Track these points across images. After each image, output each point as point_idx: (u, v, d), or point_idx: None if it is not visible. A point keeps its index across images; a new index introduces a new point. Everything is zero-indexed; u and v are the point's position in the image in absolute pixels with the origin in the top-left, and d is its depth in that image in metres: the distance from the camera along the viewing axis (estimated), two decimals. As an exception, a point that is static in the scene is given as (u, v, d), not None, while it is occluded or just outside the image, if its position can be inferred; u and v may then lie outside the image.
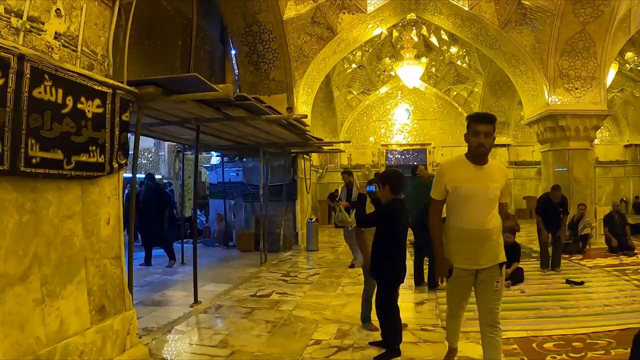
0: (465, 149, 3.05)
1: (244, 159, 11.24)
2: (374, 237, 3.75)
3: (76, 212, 3.34)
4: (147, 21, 7.39)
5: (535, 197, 17.11)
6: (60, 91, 3.13)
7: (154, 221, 8.52)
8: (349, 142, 14.84)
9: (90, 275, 3.45)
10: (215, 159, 12.21)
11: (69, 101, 3.20)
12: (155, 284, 6.85)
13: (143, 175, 16.73)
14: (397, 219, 3.58)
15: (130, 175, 4.93)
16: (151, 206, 8.55)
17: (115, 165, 3.64)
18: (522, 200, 17.16)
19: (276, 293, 6.25)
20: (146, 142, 18.14)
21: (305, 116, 5.53)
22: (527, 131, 17.45)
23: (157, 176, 16.80)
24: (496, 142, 14.35)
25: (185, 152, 10.67)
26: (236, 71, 10.73)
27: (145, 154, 18.53)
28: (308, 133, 7.80)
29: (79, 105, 3.28)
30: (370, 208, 3.96)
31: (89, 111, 3.37)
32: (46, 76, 3.02)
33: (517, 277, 6.61)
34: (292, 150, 10.50)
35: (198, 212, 13.26)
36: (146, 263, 8.50)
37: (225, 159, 11.49)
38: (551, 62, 10.67)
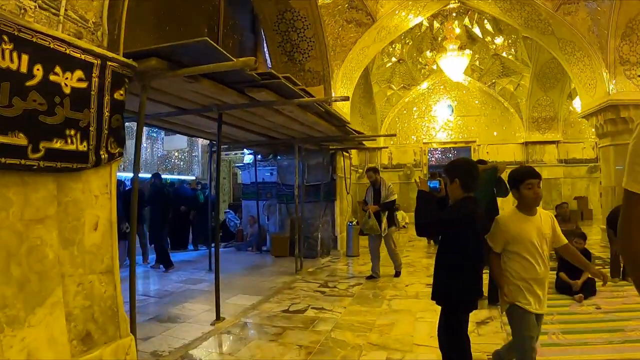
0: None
1: (279, 157, 10.48)
2: (439, 249, 2.84)
3: (49, 214, 2.59)
4: (167, 6, 6.72)
5: (586, 197, 15.75)
6: (24, 57, 2.39)
7: (158, 222, 8.49)
8: (393, 135, 13.59)
9: (69, 295, 2.70)
10: (248, 157, 11.52)
11: (38, 71, 2.46)
12: (176, 294, 6.14)
13: (184, 178, 16.54)
14: (471, 225, 2.64)
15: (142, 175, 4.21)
16: (155, 206, 8.51)
17: (104, 155, 2.88)
18: (573, 201, 15.61)
19: (312, 308, 5.40)
20: (179, 142, 17.81)
21: (347, 98, 4.59)
22: (577, 127, 16.18)
23: (191, 177, 16.39)
24: (545, 138, 12.79)
25: (214, 150, 10.02)
26: (269, 63, 9.98)
27: (178, 154, 18.17)
28: (349, 125, 6.91)
29: (52, 77, 2.54)
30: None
31: (66, 85, 2.62)
32: (5, 37, 2.29)
33: (589, 290, 5.52)
34: (331, 147, 9.65)
35: (232, 214, 12.64)
36: (165, 268, 8.14)
37: (259, 157, 10.76)
38: (611, 47, 9.36)
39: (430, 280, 2.97)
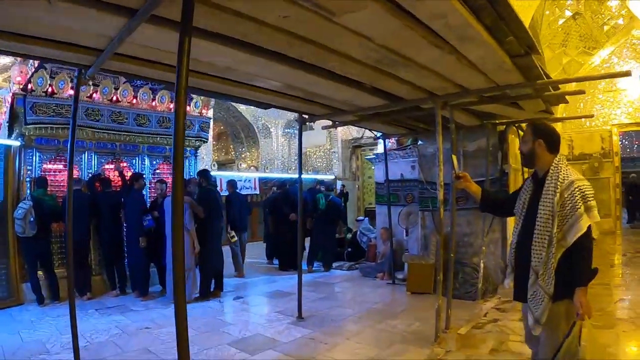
0: None
1: (420, 142, 7.21)
2: None
3: None
4: None
5: None
6: None
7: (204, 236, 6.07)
8: (626, 74, 8.05)
9: None
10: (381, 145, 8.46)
11: None
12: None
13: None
14: None
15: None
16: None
17: None
18: None
19: None
20: (317, 137, 15.66)
21: None
22: None
23: (329, 176, 13.90)
24: None
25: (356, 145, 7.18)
26: None
27: (316, 151, 15.95)
28: (537, 56, 3.26)
29: None
30: None
31: None
32: None
33: None
34: (499, 121, 6.02)
35: (366, 224, 9.60)
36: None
37: (391, 143, 7.64)
38: None
39: None
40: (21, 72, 5.75)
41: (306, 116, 5.19)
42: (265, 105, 4.67)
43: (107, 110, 6.54)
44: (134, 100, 6.87)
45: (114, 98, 6.60)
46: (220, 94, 4.11)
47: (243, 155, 18.30)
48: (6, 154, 5.78)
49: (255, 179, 12.93)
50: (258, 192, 12.73)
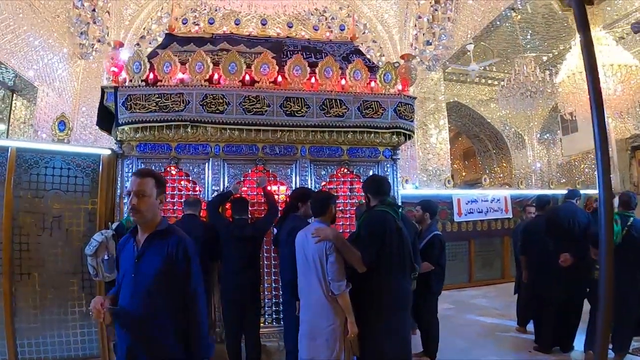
0: None
1: None
2: None
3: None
4: None
5: None
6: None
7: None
8: None
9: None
10: None
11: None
12: None
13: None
14: None
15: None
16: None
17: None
18: None
19: None
20: (583, 141, 12.53)
21: None
22: None
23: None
24: None
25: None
26: None
27: (582, 158, 11.92)
28: None
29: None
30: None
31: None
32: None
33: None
34: None
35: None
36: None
37: None
38: None
39: None
40: (112, 58, 4.26)
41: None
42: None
43: (236, 95, 4.38)
44: (279, 78, 4.61)
45: (247, 77, 4.53)
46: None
47: (492, 171, 15.19)
48: (92, 166, 4.36)
49: (505, 197, 9.44)
50: (511, 216, 9.24)
